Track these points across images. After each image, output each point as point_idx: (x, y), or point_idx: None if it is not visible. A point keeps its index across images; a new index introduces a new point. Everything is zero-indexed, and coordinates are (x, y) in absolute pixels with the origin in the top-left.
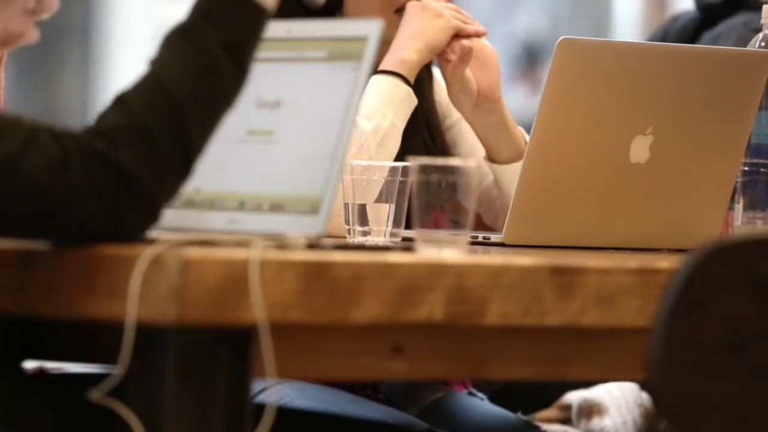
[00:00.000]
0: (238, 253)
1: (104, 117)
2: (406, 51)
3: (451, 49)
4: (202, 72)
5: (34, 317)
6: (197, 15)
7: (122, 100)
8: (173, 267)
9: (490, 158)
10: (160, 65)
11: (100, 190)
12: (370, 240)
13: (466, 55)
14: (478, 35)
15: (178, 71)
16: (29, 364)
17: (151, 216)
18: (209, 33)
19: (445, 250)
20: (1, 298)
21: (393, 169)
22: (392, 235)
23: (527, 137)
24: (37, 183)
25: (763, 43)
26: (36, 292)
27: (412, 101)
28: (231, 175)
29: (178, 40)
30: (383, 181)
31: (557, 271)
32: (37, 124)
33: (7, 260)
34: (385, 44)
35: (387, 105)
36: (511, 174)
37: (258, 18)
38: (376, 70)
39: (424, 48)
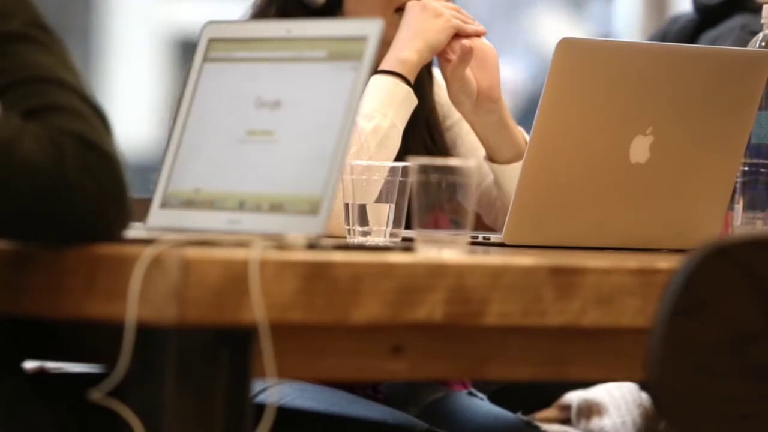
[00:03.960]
0: (238, 253)
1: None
2: (406, 51)
3: (451, 49)
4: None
5: (34, 317)
6: None
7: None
8: (173, 267)
9: (490, 158)
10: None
11: (91, 170)
12: (370, 240)
13: (467, 54)
14: (478, 35)
15: None
16: (29, 364)
17: (120, 178)
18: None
19: (445, 250)
20: (0, 298)
21: (393, 169)
22: (392, 235)
23: (527, 137)
24: (36, 169)
25: (763, 43)
26: (36, 292)
27: (412, 101)
28: (231, 175)
29: None
30: (383, 181)
31: (557, 271)
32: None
33: (7, 260)
34: (385, 44)
35: (387, 105)
36: (511, 174)
37: None
38: (376, 70)
39: (424, 48)
